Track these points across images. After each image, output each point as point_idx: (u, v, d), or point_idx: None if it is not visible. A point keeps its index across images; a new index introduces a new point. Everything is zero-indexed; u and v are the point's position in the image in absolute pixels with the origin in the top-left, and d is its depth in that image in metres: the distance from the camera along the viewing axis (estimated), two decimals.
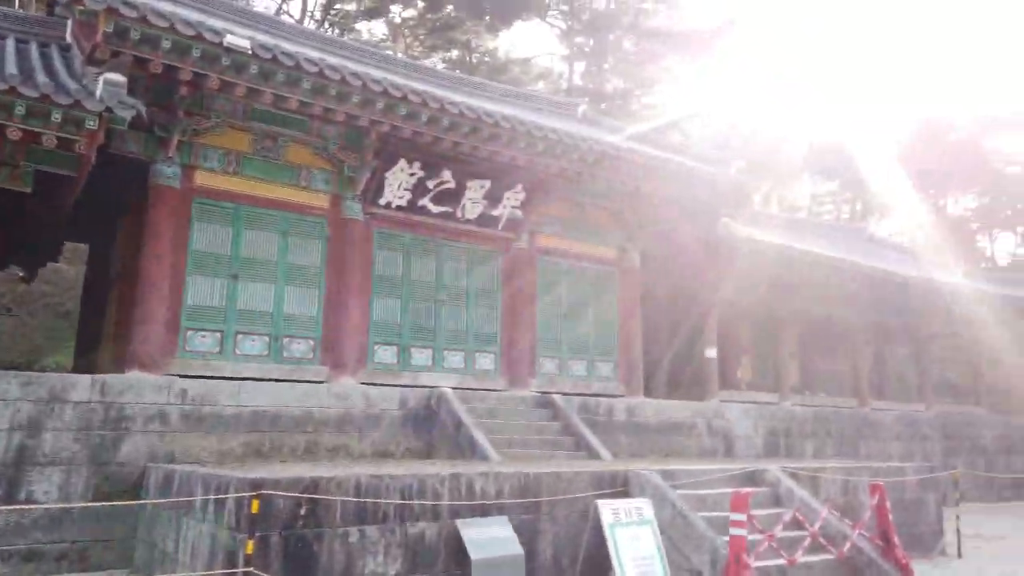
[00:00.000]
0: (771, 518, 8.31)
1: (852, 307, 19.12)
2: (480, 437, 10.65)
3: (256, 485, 6.10)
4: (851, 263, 16.71)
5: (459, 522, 7.11)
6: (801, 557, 7.88)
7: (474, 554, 6.85)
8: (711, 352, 16.55)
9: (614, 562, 7.22)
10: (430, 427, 11.57)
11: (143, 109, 9.19)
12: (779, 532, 7.88)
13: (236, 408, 10.02)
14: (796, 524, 8.17)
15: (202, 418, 9.71)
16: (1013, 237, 44.88)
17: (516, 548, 7.14)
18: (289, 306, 11.76)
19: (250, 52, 9.66)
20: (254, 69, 9.88)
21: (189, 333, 10.88)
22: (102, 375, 9.49)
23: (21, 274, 19.31)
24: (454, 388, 12.55)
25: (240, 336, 11.29)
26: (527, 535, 7.64)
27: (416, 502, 6.98)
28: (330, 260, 12.16)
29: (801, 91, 35.88)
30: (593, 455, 11.62)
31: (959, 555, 11.35)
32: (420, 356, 12.95)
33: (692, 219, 15.72)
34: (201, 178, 11.10)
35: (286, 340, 11.67)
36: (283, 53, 9.96)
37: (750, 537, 7.65)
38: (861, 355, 19.67)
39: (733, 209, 15.39)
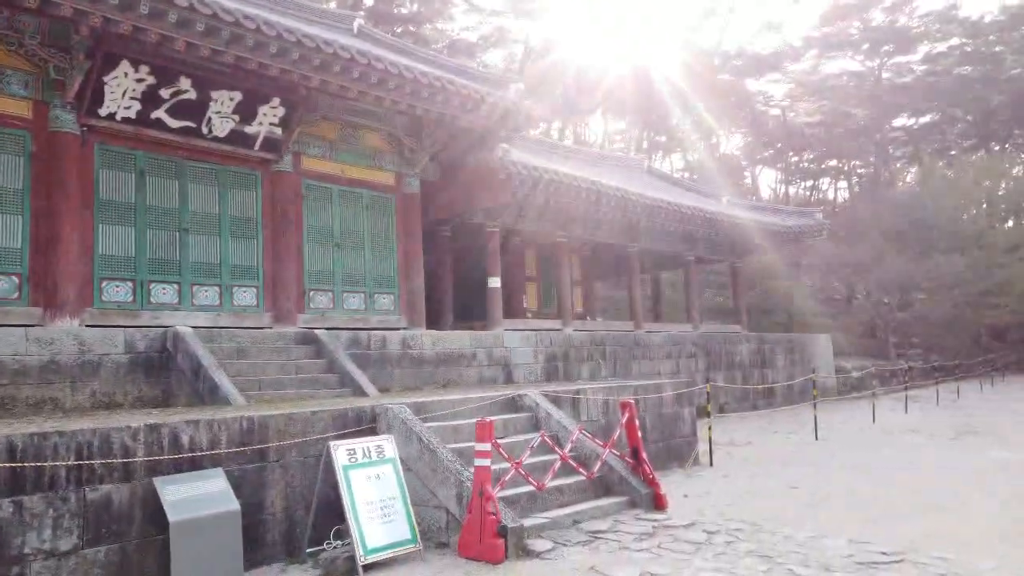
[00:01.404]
0: (526, 444, 7.92)
1: (630, 235, 19.55)
2: (222, 380, 9.37)
3: None
4: (624, 191, 16.87)
5: (157, 480, 5.95)
6: (551, 481, 7.57)
7: (173, 515, 5.75)
8: (495, 281, 16.15)
9: (345, 505, 6.43)
10: (167, 372, 10.07)
11: None
12: (527, 458, 7.49)
13: None
14: (548, 448, 7.83)
15: None
16: (774, 173, 49.17)
17: (231, 504, 6.12)
18: None
19: None
20: None
21: None
22: None
23: None
24: (208, 327, 11.09)
25: None
26: (251, 487, 6.64)
27: (99, 462, 5.71)
28: (36, 181, 10.05)
29: (598, 28, 36.22)
30: (359, 392, 10.74)
31: (711, 463, 11.88)
32: (163, 293, 11.26)
33: (473, 144, 14.99)
34: None
35: None
36: None
37: (497, 466, 7.18)
38: (637, 281, 20.29)
39: (512, 133, 14.81)
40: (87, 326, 10.05)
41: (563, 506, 7.69)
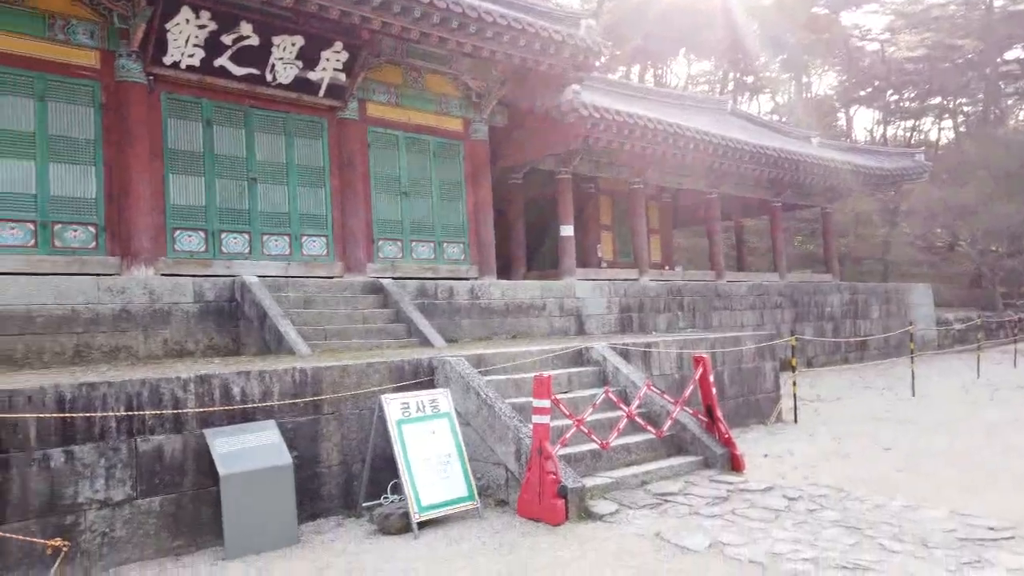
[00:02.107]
0: (591, 400, 7.46)
1: (711, 180, 18.49)
2: (287, 329, 9.26)
3: None
4: (705, 134, 15.82)
5: (208, 432, 5.80)
6: (616, 439, 7.09)
7: (223, 468, 5.61)
8: (567, 230, 15.56)
9: (398, 461, 6.16)
10: (236, 321, 10.06)
11: None
12: (591, 415, 7.03)
13: None
14: (614, 404, 7.34)
15: None
16: (871, 113, 45.96)
17: (283, 457, 5.93)
18: (58, 187, 9.71)
19: None
20: None
21: None
22: None
23: None
24: (278, 277, 11.03)
25: None
26: (306, 440, 6.45)
27: (149, 412, 5.60)
28: (107, 131, 10.06)
29: None
30: (425, 343, 10.49)
31: (795, 420, 11.14)
32: (234, 243, 11.24)
33: (543, 86, 14.27)
34: None
35: (57, 227, 9.70)
36: None
37: (559, 423, 6.76)
38: (719, 229, 19.26)
39: (584, 73, 14.00)
40: (162, 275, 10.11)
41: (629, 465, 7.23)
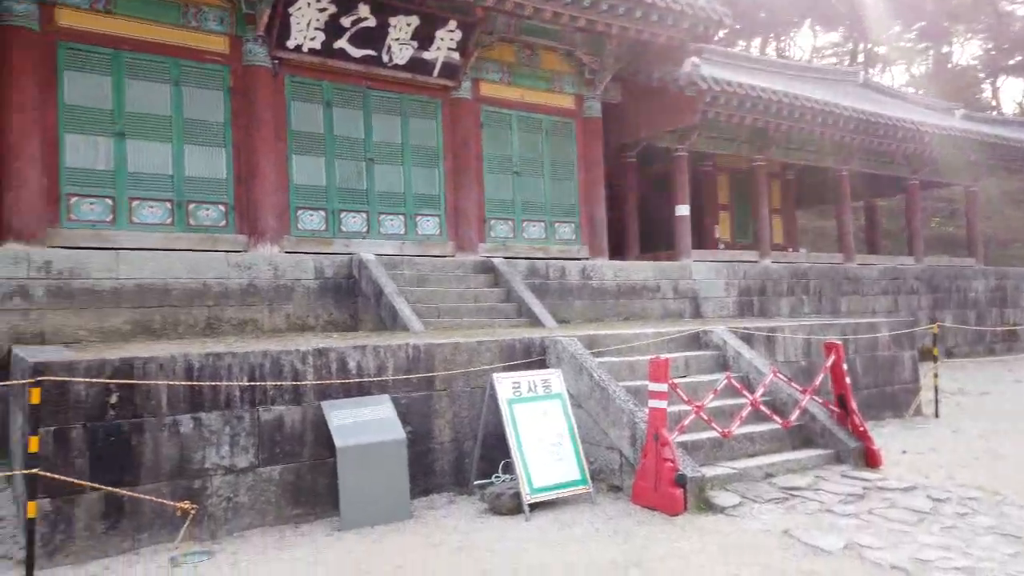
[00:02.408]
0: (710, 385, 7.06)
1: (840, 157, 17.29)
2: (402, 306, 9.33)
3: (39, 370, 4.80)
4: (834, 106, 14.75)
5: (324, 404, 5.87)
6: (738, 428, 6.66)
7: (339, 440, 5.65)
8: (682, 210, 14.97)
9: (510, 441, 6.02)
10: (353, 298, 10.26)
11: None
12: (711, 401, 6.63)
13: (115, 281, 8.68)
14: (735, 391, 6.91)
15: (72, 294, 8.39)
16: (1020, 83, 41.83)
17: (397, 431, 5.93)
18: (192, 168, 10.18)
19: None
20: None
21: (73, 200, 9.37)
22: None
23: None
24: (393, 255, 11.17)
25: (136, 203, 9.78)
26: (419, 416, 6.43)
27: (270, 383, 5.71)
28: (236, 114, 10.45)
29: None
30: (535, 322, 10.34)
31: (936, 414, 10.24)
32: (353, 221, 11.48)
33: (659, 60, 13.72)
34: (63, 17, 9.26)
35: (192, 206, 10.18)
36: None
37: (677, 408, 6.42)
38: (848, 208, 18.01)
39: (702, 45, 13.33)
40: (286, 252, 10.45)
41: (752, 456, 6.78)
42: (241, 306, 9.49)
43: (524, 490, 5.90)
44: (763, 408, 6.87)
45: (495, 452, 6.54)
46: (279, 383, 5.75)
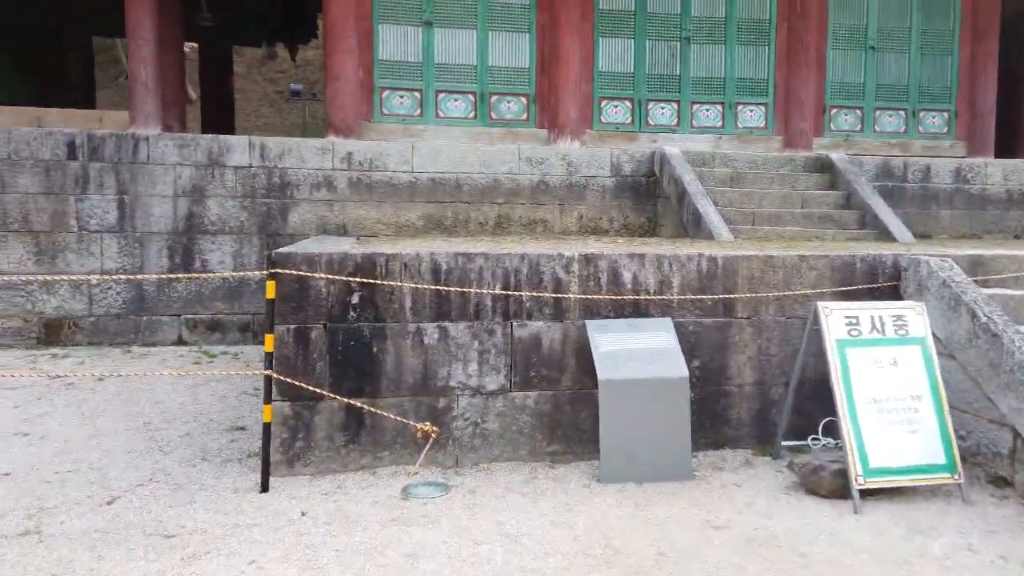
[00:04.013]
0: None
1: None
2: (707, 209, 7.61)
3: (276, 262, 4.25)
4: None
5: (590, 324, 4.60)
6: None
7: (603, 371, 4.37)
8: None
9: (837, 397, 4.18)
10: (653, 199, 8.77)
11: None
12: None
13: (410, 175, 8.30)
14: None
15: (372, 186, 8.19)
16: None
17: (678, 366, 4.45)
18: (495, 57, 9.40)
19: None
20: None
21: (385, 94, 9.20)
22: (260, 136, 8.27)
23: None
24: (705, 152, 9.39)
25: (442, 96, 9.33)
26: (709, 348, 4.86)
27: (527, 293, 4.60)
28: None
29: None
30: (884, 236, 7.87)
31: None
32: (661, 113, 9.86)
33: None
34: None
35: (494, 99, 9.46)
36: None
37: None
38: None
39: None
40: (587, 148, 9.30)
41: None
42: (532, 204, 8.60)
43: (854, 469, 4.08)
44: None
45: (813, 406, 4.75)
46: (537, 294, 4.61)
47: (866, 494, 4.10)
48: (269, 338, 4.13)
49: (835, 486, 4.16)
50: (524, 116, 9.55)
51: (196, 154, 7.82)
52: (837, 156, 9.11)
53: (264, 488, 4.10)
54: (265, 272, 4.14)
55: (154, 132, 8.06)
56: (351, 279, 4.38)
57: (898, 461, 4.13)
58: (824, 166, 9.16)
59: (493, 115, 9.46)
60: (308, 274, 4.30)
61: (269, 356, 4.14)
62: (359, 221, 8.12)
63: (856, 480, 4.06)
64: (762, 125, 10.09)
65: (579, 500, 4.12)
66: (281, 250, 4.40)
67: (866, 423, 4.18)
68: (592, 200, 8.70)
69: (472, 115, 9.40)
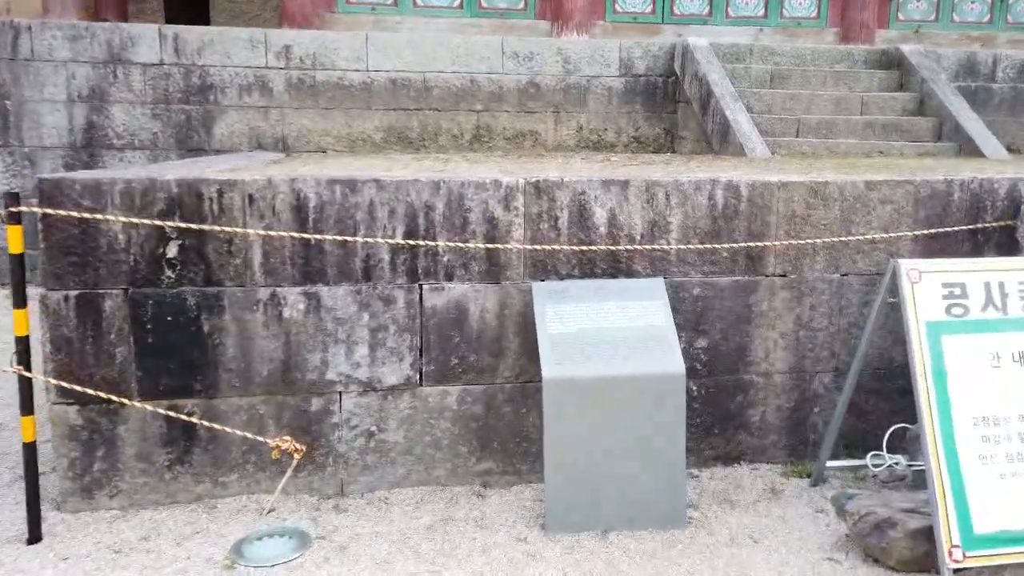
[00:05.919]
0: None
1: None
2: (737, 117, 5.72)
3: (44, 193, 2.66)
4: None
5: (537, 288, 2.95)
6: None
7: (550, 365, 2.73)
8: None
9: (923, 409, 2.51)
10: (673, 105, 6.86)
11: None
12: None
13: (364, 74, 6.50)
14: None
15: (316, 88, 6.44)
16: None
17: (670, 358, 2.79)
18: None
19: None
20: None
21: None
22: (173, 26, 6.48)
23: None
24: (746, 45, 7.37)
25: None
26: (723, 320, 3.17)
27: (445, 243, 2.94)
28: None
29: None
30: (969, 150, 5.91)
31: None
32: (690, 1, 7.81)
33: None
34: None
35: None
36: None
37: None
38: None
39: None
40: (592, 41, 7.36)
41: None
42: (519, 112, 6.78)
43: (947, 534, 2.44)
44: None
45: (877, 405, 3.10)
46: (461, 243, 2.95)
47: (963, 572, 2.48)
48: (20, 315, 2.58)
49: (913, 556, 2.55)
50: (521, 5, 7.61)
51: (93, 48, 6.13)
52: (909, 48, 6.98)
53: (34, 538, 2.65)
54: (7, 211, 2.53)
55: (39, 21, 6.35)
56: (164, 222, 2.77)
57: (1021, 524, 2.48)
58: (891, 62, 7.05)
59: (484, 3, 7.54)
60: (94, 215, 2.70)
61: (23, 342, 2.60)
62: (302, 133, 6.42)
63: (948, 553, 2.43)
64: (814, 15, 7.97)
65: (513, 564, 2.58)
66: (50, 176, 2.78)
67: (969, 459, 2.51)
68: (595, 107, 6.81)
69: (458, 3, 7.49)
